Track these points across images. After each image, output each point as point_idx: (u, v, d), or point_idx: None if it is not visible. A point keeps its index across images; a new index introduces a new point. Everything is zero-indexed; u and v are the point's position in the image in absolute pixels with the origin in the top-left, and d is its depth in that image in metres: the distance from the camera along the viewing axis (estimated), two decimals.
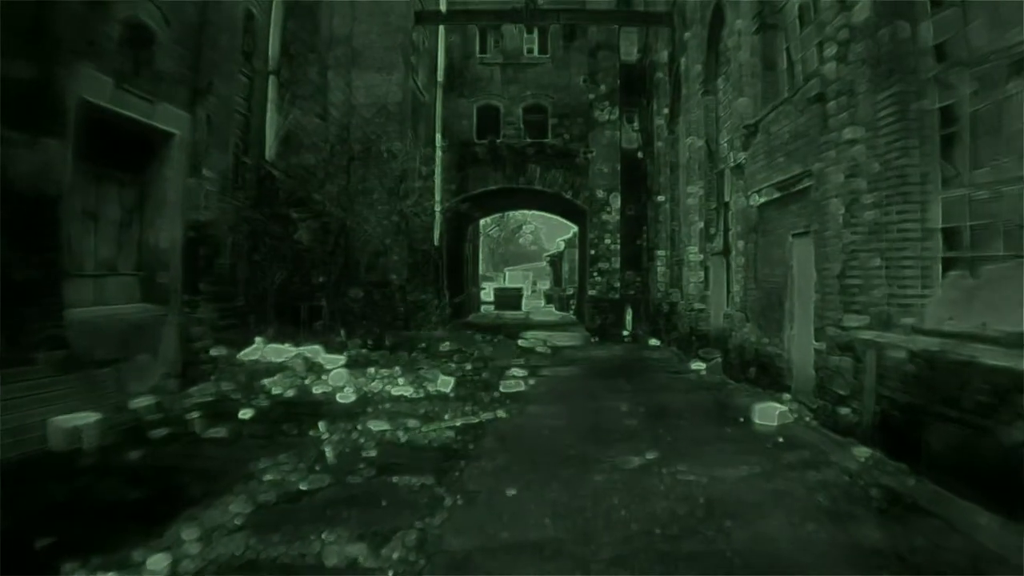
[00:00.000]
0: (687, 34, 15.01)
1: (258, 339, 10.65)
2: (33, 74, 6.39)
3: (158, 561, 3.82)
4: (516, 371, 11.70)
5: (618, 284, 21.18)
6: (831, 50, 7.33)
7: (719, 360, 11.87)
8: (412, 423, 7.49)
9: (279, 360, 9.98)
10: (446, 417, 7.92)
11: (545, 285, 51.76)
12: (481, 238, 39.74)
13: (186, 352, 8.93)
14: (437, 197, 18.83)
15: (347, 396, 8.84)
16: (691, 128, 14.79)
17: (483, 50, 22.73)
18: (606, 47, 21.43)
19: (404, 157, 15.10)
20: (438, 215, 19.10)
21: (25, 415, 6.09)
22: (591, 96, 21.37)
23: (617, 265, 21.14)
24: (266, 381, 9.10)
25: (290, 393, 8.90)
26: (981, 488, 4.68)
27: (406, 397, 9.03)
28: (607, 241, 21.18)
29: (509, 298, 35.66)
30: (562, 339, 19.04)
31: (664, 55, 18.14)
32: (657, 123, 18.99)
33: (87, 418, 6.39)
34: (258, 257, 12.51)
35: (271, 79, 13.55)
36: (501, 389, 10.03)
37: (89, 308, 7.66)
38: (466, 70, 22.43)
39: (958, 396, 5.02)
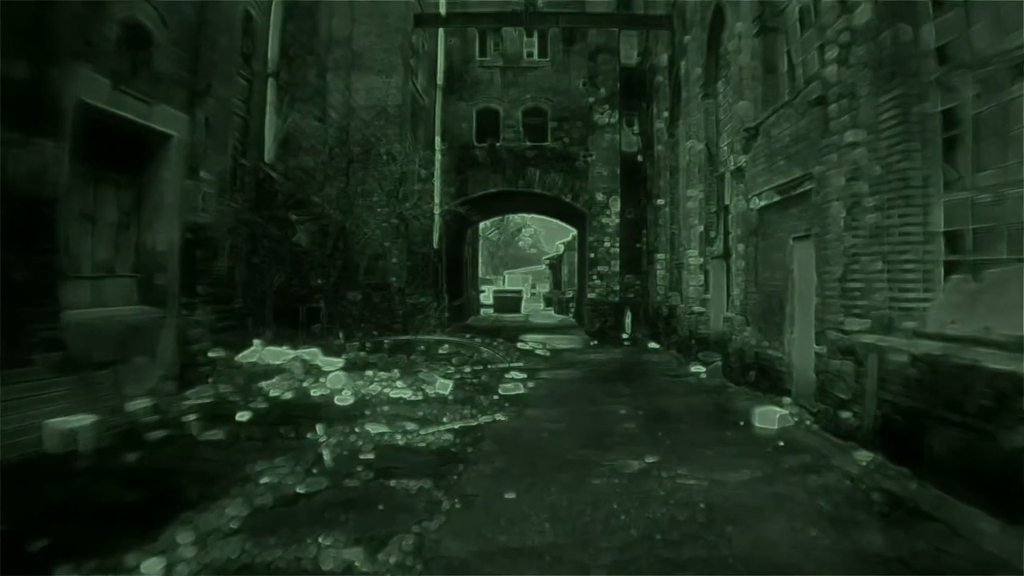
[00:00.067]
0: (687, 37, 15.00)
1: (256, 341, 10.61)
2: (30, 75, 6.37)
3: (152, 565, 3.78)
4: (515, 374, 11.67)
5: (617, 287, 21.16)
6: (832, 53, 7.31)
7: (719, 364, 11.83)
8: (410, 426, 7.45)
9: (277, 362, 9.93)
10: (444, 420, 7.88)
11: (544, 288, 51.73)
12: (480, 241, 39.73)
13: (184, 354, 8.89)
14: (436, 200, 18.80)
15: (345, 399, 8.79)
16: (691, 131, 14.77)
17: (483, 53, 22.71)
18: (606, 50, 21.44)
19: (403, 160, 15.07)
20: (437, 218, 19.07)
21: (21, 417, 6.05)
22: (591, 99, 21.37)
23: (616, 268, 21.12)
24: (264, 383, 9.06)
25: (288, 395, 8.86)
26: (984, 492, 4.64)
27: (404, 400, 8.99)
28: (607, 244, 21.17)
29: (508, 301, 35.62)
30: (561, 342, 19.00)
31: (664, 58, 18.12)
32: (657, 126, 18.97)
33: (83, 420, 6.35)
34: (256, 259, 12.48)
35: (270, 81, 13.54)
36: (500, 392, 10.00)
37: (86, 310, 7.63)
38: (466, 73, 22.41)
39: (960, 400, 4.98)
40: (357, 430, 7.18)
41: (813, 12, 8.41)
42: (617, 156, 21.12)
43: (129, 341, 7.97)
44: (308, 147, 14.36)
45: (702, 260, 14.30)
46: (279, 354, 10.29)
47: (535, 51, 22.80)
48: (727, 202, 12.45)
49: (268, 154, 13.26)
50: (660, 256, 18.76)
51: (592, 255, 21.39)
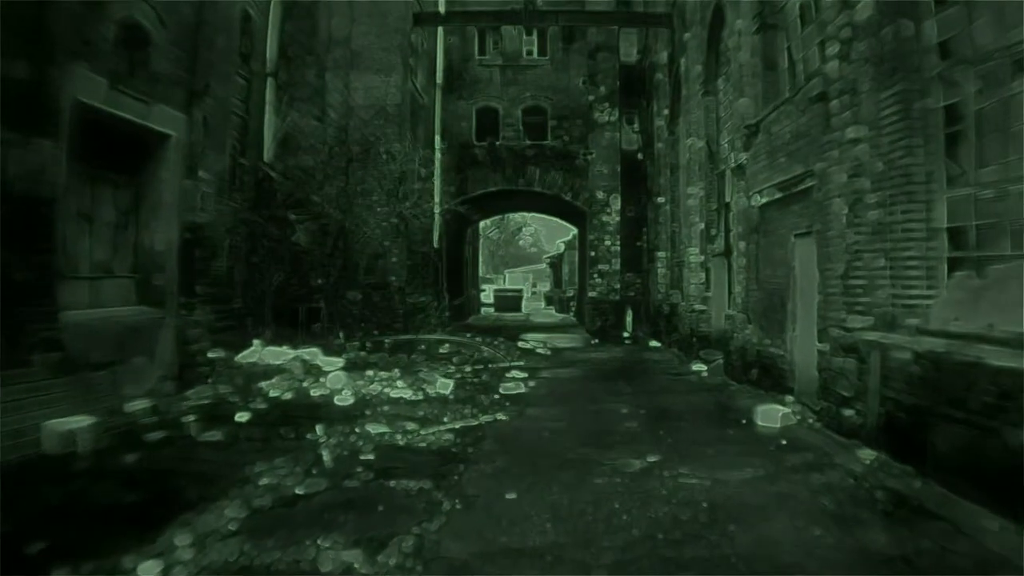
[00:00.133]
0: (687, 35, 14.96)
1: (256, 341, 10.57)
2: (27, 74, 6.33)
3: (150, 568, 3.75)
4: (516, 373, 11.64)
5: (618, 286, 21.14)
6: (833, 49, 7.27)
7: (720, 362, 11.79)
8: (411, 426, 7.42)
9: (277, 362, 9.89)
10: (445, 420, 7.85)
11: (545, 287, 51.74)
12: (481, 240, 39.71)
13: (183, 355, 8.86)
14: (436, 199, 18.77)
15: (345, 399, 8.76)
16: (691, 129, 14.73)
17: (482, 52, 22.69)
18: (605, 48, 21.41)
19: (403, 159, 15.03)
20: (437, 217, 19.04)
21: (20, 418, 6.01)
22: (591, 97, 21.35)
23: (617, 267, 21.10)
24: (264, 384, 9.02)
25: (288, 396, 8.82)
26: (988, 490, 4.61)
27: (405, 399, 8.95)
28: (607, 243, 21.15)
29: (509, 300, 35.61)
30: (562, 341, 18.97)
31: (664, 56, 18.09)
32: (657, 124, 18.94)
33: (82, 421, 6.32)
34: (256, 259, 12.44)
35: (269, 81, 13.50)
36: (501, 391, 9.97)
37: (84, 311, 7.59)
38: (465, 72, 22.38)
39: (964, 398, 4.95)
40: (357, 430, 7.15)
41: (814, 8, 8.37)
42: (617, 154, 21.09)
43: (128, 342, 7.94)
44: (307, 146, 14.32)
45: (703, 258, 14.27)
46: (279, 354, 10.25)
47: (535, 49, 22.78)
48: (728, 199, 12.41)
49: (267, 153, 13.23)
50: (661, 254, 18.73)
51: (593, 253, 21.37)
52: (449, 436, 7.13)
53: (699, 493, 5.25)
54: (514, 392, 10.00)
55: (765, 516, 4.75)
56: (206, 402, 8.20)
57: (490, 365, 12.69)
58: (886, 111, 6.31)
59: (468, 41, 22.49)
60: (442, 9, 19.63)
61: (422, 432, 7.22)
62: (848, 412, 6.79)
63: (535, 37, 22.68)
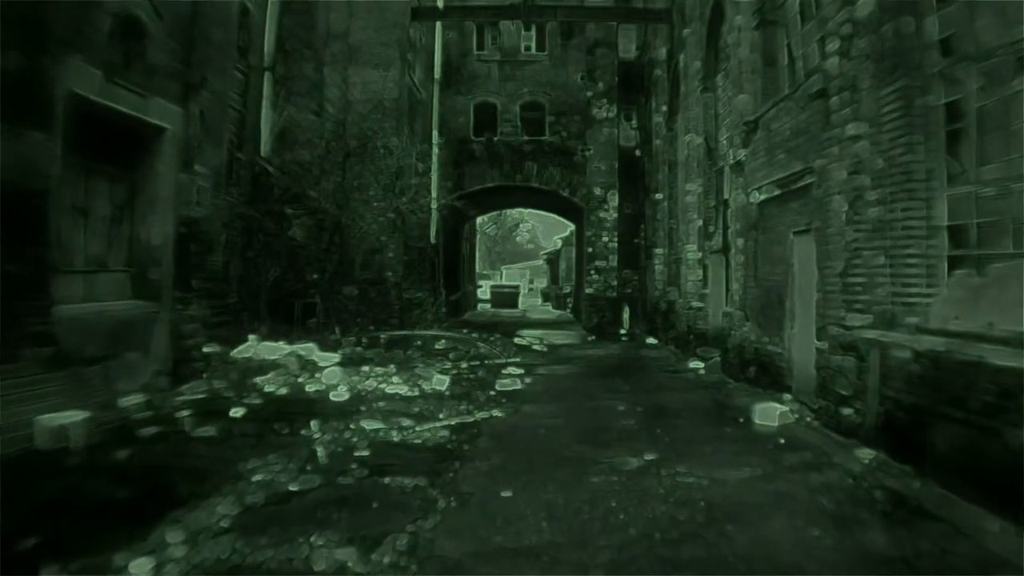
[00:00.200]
0: (686, 31, 14.90)
1: (251, 337, 10.52)
2: (20, 65, 6.25)
3: (141, 565, 3.70)
4: (512, 369, 11.61)
5: (615, 282, 21.11)
6: (834, 45, 7.23)
7: (718, 359, 11.77)
8: (406, 422, 7.38)
9: (272, 358, 9.85)
10: (441, 416, 7.80)
11: (542, 283, 51.76)
12: (478, 236, 39.66)
13: (178, 349, 8.79)
14: (434, 194, 18.72)
15: (341, 394, 8.71)
16: (690, 125, 14.69)
17: (480, 47, 22.62)
18: (604, 44, 21.37)
19: (400, 154, 14.98)
20: (434, 212, 18.98)
21: (11, 413, 5.95)
22: (589, 93, 21.30)
23: (615, 263, 21.07)
24: (259, 379, 8.97)
25: (283, 391, 8.77)
26: (987, 491, 4.58)
27: (400, 396, 8.91)
28: (605, 239, 21.11)
29: (506, 296, 35.58)
30: (559, 337, 18.95)
31: (663, 52, 18.02)
32: (655, 120, 18.89)
33: (74, 416, 6.25)
34: (252, 254, 12.36)
35: (266, 75, 13.40)
36: (497, 388, 9.93)
37: (78, 304, 7.52)
38: (463, 67, 22.31)
39: (964, 397, 4.92)
40: (352, 426, 7.11)
41: (814, 5, 8.33)
42: (615, 150, 21.06)
43: (122, 336, 7.87)
44: (304, 141, 14.24)
45: (701, 255, 14.24)
46: (274, 349, 10.21)
47: (533, 45, 22.70)
48: (726, 196, 12.37)
49: (264, 148, 13.15)
50: (658, 251, 18.69)
51: (590, 250, 21.33)
52: (444, 433, 7.09)
53: (696, 492, 5.22)
54: (510, 389, 9.96)
55: (763, 516, 4.71)
56: (200, 397, 8.14)
57: (486, 361, 12.65)
58: (887, 108, 6.28)
59: (466, 36, 22.40)
60: (440, 4, 19.56)
61: (417, 428, 7.17)
62: (847, 411, 6.76)
63: (533, 32, 22.60)
